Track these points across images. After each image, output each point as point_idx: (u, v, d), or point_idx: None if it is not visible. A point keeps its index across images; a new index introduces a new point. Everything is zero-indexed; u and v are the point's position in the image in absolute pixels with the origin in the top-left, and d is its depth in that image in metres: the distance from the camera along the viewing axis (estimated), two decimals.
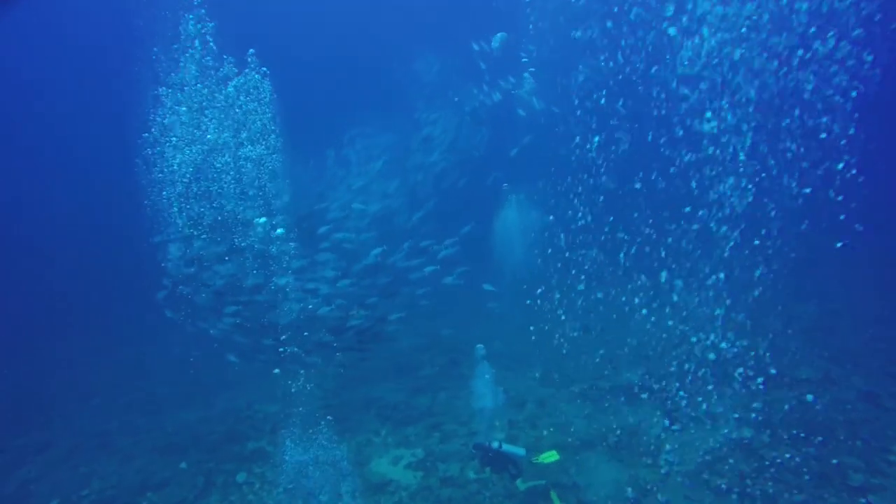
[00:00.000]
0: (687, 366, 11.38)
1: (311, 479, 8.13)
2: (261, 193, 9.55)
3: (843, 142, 9.88)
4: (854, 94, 9.79)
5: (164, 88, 9.13)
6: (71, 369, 16.99)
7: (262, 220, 9.51)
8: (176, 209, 9.35)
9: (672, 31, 9.56)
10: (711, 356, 10.92)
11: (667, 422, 9.26)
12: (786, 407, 9.02)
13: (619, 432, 9.21)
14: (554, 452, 7.87)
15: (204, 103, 9.15)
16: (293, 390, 9.63)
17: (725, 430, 8.65)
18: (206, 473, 9.47)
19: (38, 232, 28.59)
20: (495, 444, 7.51)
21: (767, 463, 7.64)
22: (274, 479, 8.98)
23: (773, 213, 10.58)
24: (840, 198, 9.89)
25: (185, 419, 11.95)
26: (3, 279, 25.18)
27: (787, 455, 7.70)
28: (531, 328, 14.54)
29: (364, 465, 9.09)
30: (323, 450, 8.20)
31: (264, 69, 9.38)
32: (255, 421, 11.00)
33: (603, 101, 13.05)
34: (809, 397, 9.12)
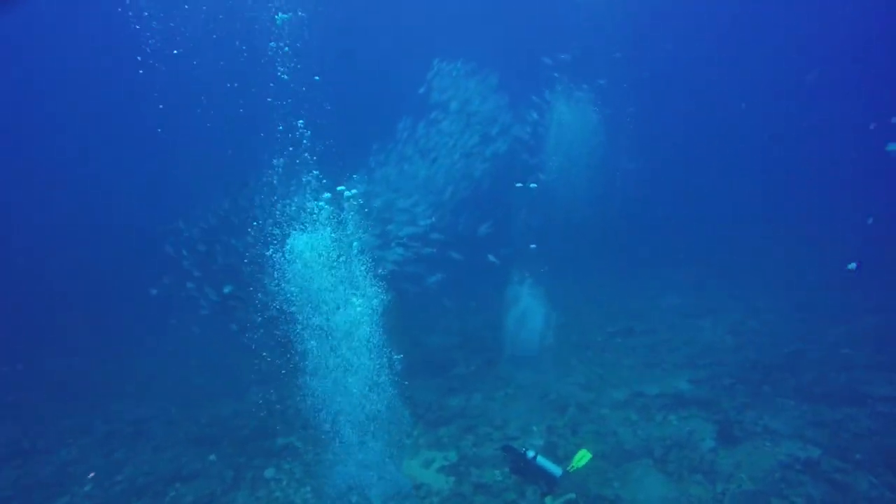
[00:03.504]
0: (742, 374, 10.59)
1: (339, 479, 7.85)
2: None
3: None
4: None
5: None
6: (102, 357, 17.34)
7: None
8: None
9: None
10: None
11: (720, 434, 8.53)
12: (859, 425, 8.14)
13: (666, 443, 8.54)
14: (585, 451, 7.21)
15: None
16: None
17: (788, 448, 7.86)
18: (236, 467, 9.33)
19: (60, 232, 29.31)
20: (530, 454, 6.88)
21: (846, 491, 6.82)
22: (302, 476, 8.75)
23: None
24: None
25: (218, 411, 11.90)
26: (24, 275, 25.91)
27: (868, 483, 6.87)
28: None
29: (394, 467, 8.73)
30: (353, 449, 7.88)
31: None
32: (286, 416, 10.84)
33: None
34: None
